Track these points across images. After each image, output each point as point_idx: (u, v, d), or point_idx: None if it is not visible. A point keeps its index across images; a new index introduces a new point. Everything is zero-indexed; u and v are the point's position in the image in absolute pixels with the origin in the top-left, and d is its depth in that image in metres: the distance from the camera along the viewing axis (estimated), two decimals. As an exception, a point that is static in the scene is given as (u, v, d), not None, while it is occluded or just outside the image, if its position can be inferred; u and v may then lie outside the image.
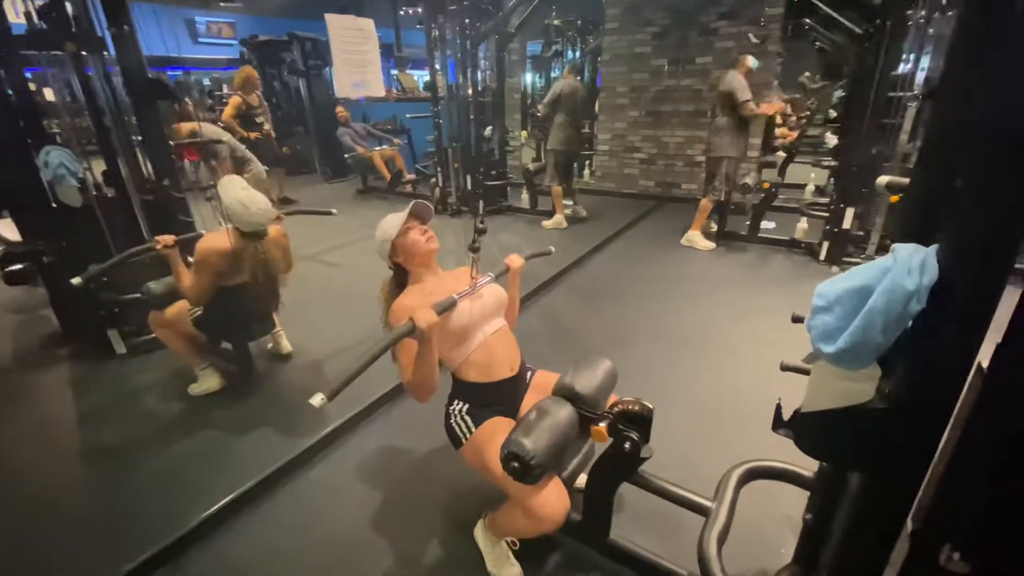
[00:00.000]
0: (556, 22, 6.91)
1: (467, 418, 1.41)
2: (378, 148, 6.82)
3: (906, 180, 1.26)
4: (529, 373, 1.59)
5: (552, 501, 1.23)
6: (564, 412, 1.31)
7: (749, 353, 2.75)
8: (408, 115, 6.14)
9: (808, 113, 9.23)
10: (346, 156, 6.83)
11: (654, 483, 1.32)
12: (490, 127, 5.17)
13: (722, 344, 2.85)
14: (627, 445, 1.26)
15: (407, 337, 1.21)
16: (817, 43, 9.57)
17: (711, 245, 4.30)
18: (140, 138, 2.71)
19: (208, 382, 2.36)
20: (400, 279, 1.55)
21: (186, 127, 3.13)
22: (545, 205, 5.37)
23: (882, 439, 0.70)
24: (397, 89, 9.56)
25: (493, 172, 5.46)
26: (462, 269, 1.63)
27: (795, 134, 7.55)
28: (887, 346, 0.65)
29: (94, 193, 2.65)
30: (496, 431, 1.36)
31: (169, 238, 2.11)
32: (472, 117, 5.11)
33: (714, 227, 4.48)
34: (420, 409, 2.34)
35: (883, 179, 1.28)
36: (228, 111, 5.39)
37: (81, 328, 2.80)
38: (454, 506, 1.77)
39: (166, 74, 6.57)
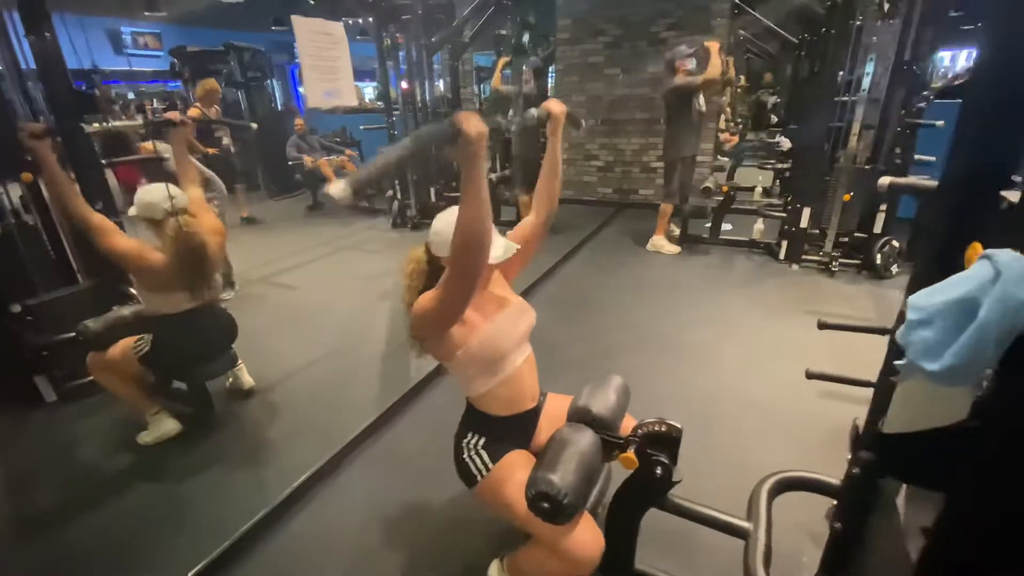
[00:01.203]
0: (507, 32, 6.89)
1: (483, 453, 1.27)
2: (326, 157, 6.53)
3: (909, 180, 1.27)
4: (541, 398, 1.48)
5: (587, 541, 1.13)
6: (586, 440, 1.22)
7: (728, 355, 2.76)
8: (362, 126, 5.91)
9: (741, 120, 9.74)
10: (290, 163, 6.51)
11: (685, 507, 1.25)
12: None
13: (701, 348, 2.86)
14: (658, 470, 1.18)
15: (448, 142, 0.90)
16: (748, 54, 10.17)
17: (676, 249, 4.36)
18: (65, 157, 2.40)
19: (161, 428, 2.09)
20: (433, 270, 1.29)
21: (147, 147, 2.83)
22: (507, 215, 5.30)
23: (981, 460, 0.65)
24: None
25: (454, 183, 5.34)
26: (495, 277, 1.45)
27: (735, 138, 7.94)
28: (996, 361, 0.60)
29: (12, 220, 2.33)
30: (516, 467, 1.24)
31: (38, 126, 1.79)
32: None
33: (676, 231, 4.56)
34: (407, 442, 2.21)
35: (885, 180, 1.28)
36: None
37: (1, 375, 2.43)
38: (460, 548, 1.63)
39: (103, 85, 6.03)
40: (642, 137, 5.60)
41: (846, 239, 3.75)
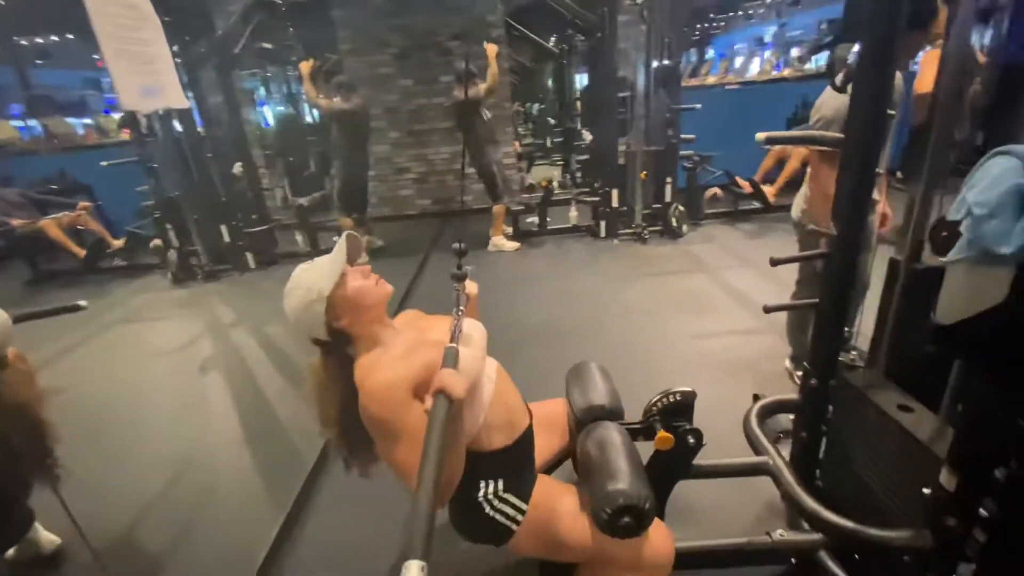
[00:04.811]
0: (268, 45, 6.17)
1: (508, 497, 1.05)
2: (52, 216, 4.87)
3: (785, 133, 1.52)
4: (526, 411, 1.32)
5: (664, 541, 1.04)
6: (619, 436, 1.13)
7: (609, 325, 2.98)
8: (104, 163, 4.49)
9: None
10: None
11: (707, 467, 1.26)
12: (239, 163, 4.27)
13: (585, 325, 3.01)
14: (691, 439, 1.16)
15: (442, 419, 0.81)
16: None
17: (516, 244, 4.53)
18: None
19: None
20: (341, 356, 1.06)
21: None
22: (325, 243, 4.77)
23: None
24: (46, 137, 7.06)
25: (254, 216, 4.53)
26: (412, 313, 1.25)
27: (516, 144, 8.73)
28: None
29: None
30: (556, 495, 1.07)
31: None
32: (211, 154, 4.12)
33: (509, 229, 4.74)
34: (340, 530, 1.74)
35: (761, 135, 1.50)
36: None
37: None
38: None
39: None
40: (449, 146, 5.65)
41: (647, 211, 4.42)
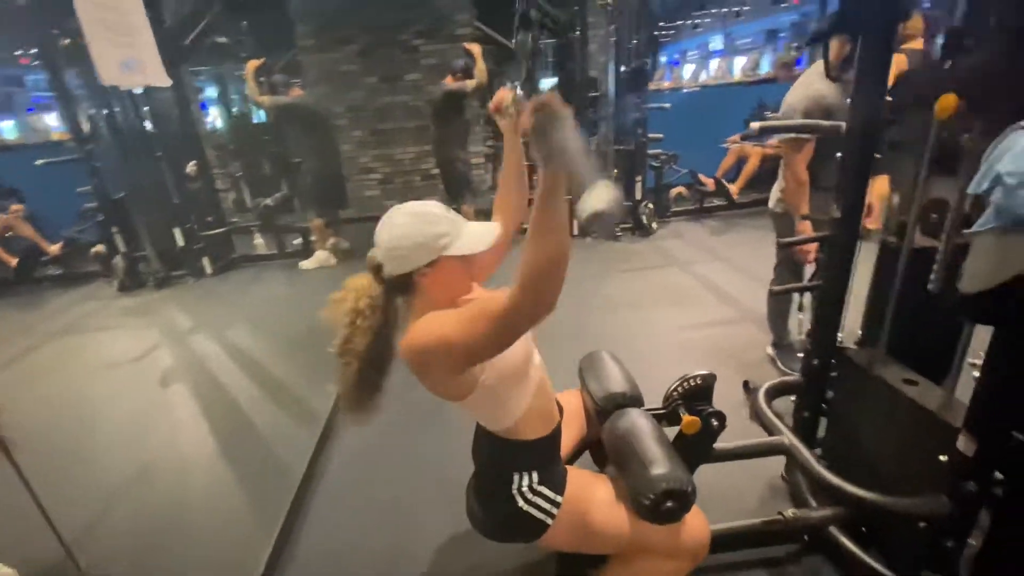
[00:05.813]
0: (223, 39, 5.84)
1: (543, 490, 1.01)
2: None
3: (778, 122, 1.56)
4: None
5: (700, 523, 1.03)
6: (648, 423, 1.11)
7: (594, 321, 2.99)
8: (39, 162, 4.07)
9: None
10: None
11: (726, 451, 1.26)
12: (193, 162, 4.01)
13: (570, 322, 3.00)
14: (715, 422, 1.16)
15: None
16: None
17: (490, 244, 4.48)
18: None
19: None
20: (392, 296, 0.97)
21: None
22: (290, 246, 4.57)
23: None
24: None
25: (209, 219, 4.27)
26: None
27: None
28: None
29: None
30: (589, 485, 1.05)
31: None
32: (160, 153, 3.84)
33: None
34: (340, 535, 1.64)
35: (755, 124, 1.53)
36: None
37: None
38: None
39: None
40: (416, 145, 5.54)
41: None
